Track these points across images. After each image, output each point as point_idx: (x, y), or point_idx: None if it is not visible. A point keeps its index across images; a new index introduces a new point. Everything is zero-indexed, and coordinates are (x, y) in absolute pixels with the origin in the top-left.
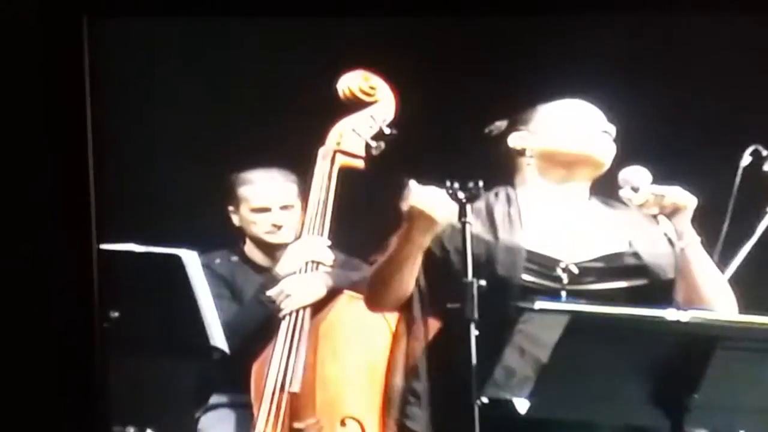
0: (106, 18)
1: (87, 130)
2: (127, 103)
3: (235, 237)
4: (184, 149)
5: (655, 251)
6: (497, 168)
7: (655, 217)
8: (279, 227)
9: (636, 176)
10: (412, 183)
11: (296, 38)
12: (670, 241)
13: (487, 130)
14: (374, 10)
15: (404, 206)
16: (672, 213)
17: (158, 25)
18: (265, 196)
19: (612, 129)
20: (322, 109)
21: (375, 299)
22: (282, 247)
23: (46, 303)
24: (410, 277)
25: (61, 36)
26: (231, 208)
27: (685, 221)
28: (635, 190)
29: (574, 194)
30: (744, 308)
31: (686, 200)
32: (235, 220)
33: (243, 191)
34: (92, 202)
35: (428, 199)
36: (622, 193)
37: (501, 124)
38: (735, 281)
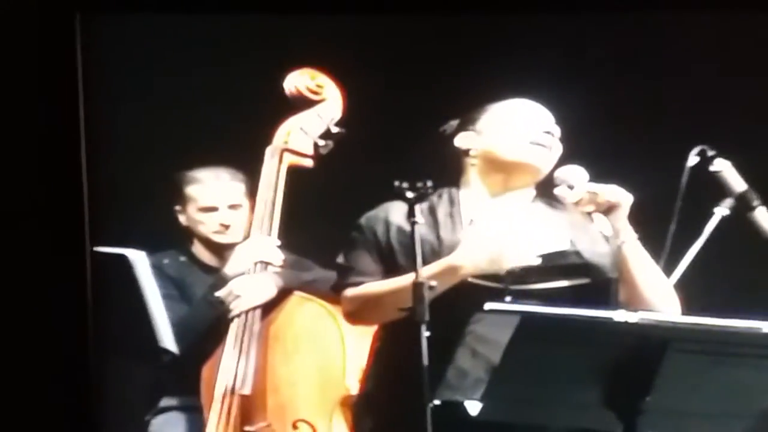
0: (98, 14)
1: (80, 126)
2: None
3: (184, 237)
4: (135, 146)
5: (596, 250)
6: (445, 168)
7: (590, 215)
8: (227, 227)
9: (572, 175)
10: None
11: (243, 35)
12: (607, 239)
13: (441, 129)
14: (322, 8)
15: (476, 253)
16: (608, 210)
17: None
18: (212, 196)
19: (557, 130)
20: (269, 107)
21: (370, 316)
22: (230, 247)
23: (42, 303)
24: None
25: (55, 32)
26: (178, 207)
27: (621, 219)
28: (571, 188)
29: (516, 195)
30: (692, 310)
31: (621, 197)
32: (182, 219)
33: (190, 190)
34: (85, 201)
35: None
36: (557, 191)
37: (453, 123)
38: (683, 282)
